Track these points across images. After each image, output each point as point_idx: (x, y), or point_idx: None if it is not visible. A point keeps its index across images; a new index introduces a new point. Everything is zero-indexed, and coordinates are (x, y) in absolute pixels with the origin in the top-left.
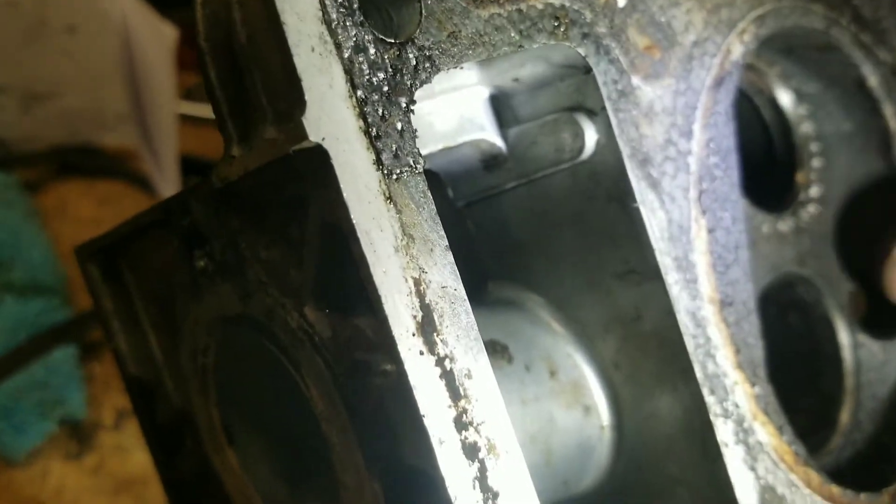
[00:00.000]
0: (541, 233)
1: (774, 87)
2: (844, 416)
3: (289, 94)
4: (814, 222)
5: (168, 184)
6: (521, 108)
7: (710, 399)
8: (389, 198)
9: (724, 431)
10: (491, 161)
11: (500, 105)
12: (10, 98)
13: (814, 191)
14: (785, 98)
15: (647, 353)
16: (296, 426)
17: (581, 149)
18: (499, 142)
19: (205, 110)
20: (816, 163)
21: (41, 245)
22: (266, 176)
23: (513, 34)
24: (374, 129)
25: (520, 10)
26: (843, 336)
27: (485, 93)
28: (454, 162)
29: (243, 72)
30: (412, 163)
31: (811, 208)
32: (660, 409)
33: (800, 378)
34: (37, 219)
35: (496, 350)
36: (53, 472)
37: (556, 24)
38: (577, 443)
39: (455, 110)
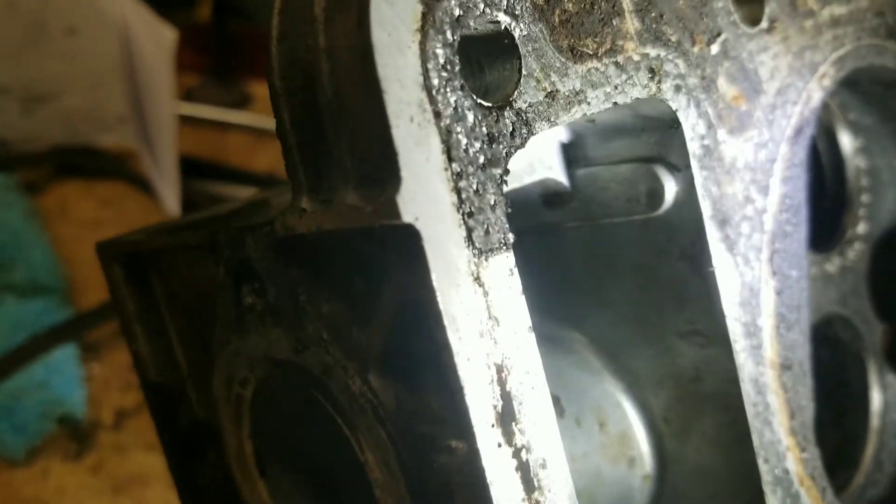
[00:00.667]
0: (599, 277)
1: (833, 118)
2: (868, 455)
3: (381, 166)
4: (858, 260)
5: (168, 184)
6: (593, 149)
7: (763, 467)
8: (477, 278)
9: (773, 499)
10: (553, 198)
11: (570, 144)
12: (11, 99)
13: (861, 228)
14: (842, 130)
15: (701, 414)
16: (338, 473)
17: (658, 204)
18: (565, 181)
19: (204, 111)
20: (865, 198)
21: (41, 245)
22: (343, 240)
23: (608, 89)
24: (468, 206)
25: (617, 63)
26: (873, 375)
27: (557, 132)
28: (512, 194)
29: (325, 125)
30: (502, 239)
31: (857, 246)
32: (707, 468)
33: (826, 412)
34: (37, 219)
35: None
36: (53, 472)
37: (650, 76)
38: (620, 493)
39: (525, 149)
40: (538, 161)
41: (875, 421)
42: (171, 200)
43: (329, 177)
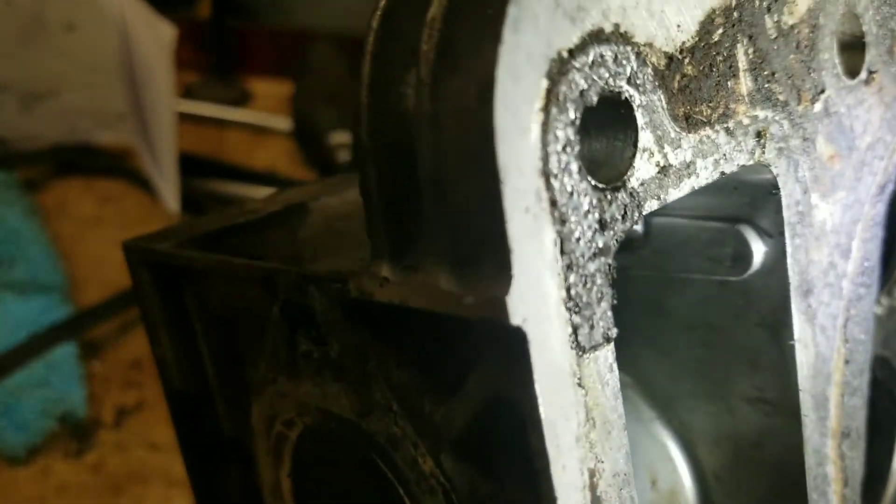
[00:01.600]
0: (663, 328)
1: None
2: (889, 494)
3: (488, 258)
4: None
5: (167, 182)
6: (675, 200)
7: None
8: (579, 379)
9: None
10: (623, 243)
11: None
12: (10, 97)
13: None
14: None
15: (757, 479)
16: None
17: (744, 269)
18: (639, 227)
19: (204, 109)
20: None
21: (41, 243)
22: (429, 322)
23: (717, 158)
24: (576, 302)
25: (727, 129)
26: None
27: None
28: None
29: (422, 196)
30: (606, 334)
31: None
32: None
33: None
34: (36, 217)
35: None
36: (54, 470)
37: (757, 140)
38: None
39: None
40: None
41: None
42: (170, 198)
43: (417, 248)
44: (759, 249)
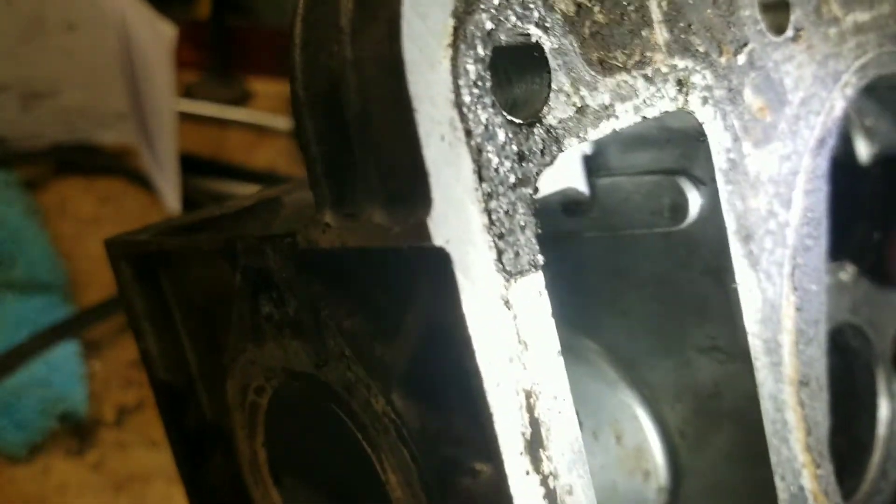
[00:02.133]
0: (617, 288)
1: (850, 125)
2: (874, 464)
3: (410, 186)
4: (871, 268)
5: (167, 181)
6: (616, 159)
7: (780, 484)
8: (507, 302)
9: None
10: (573, 206)
11: (592, 152)
12: (10, 96)
13: (875, 235)
14: (857, 136)
15: (718, 430)
16: (356, 489)
17: (682, 217)
18: (585, 189)
19: (204, 108)
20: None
21: (41, 243)
22: (368, 259)
23: (637, 103)
24: (499, 228)
25: (646, 76)
26: (882, 384)
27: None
28: None
29: (352, 140)
30: (532, 260)
31: (871, 254)
32: (722, 483)
33: (834, 420)
34: (37, 216)
35: None
36: (55, 469)
37: (678, 88)
38: None
39: None
40: (559, 170)
41: (882, 430)
42: (170, 197)
43: (354, 191)
44: (694, 198)
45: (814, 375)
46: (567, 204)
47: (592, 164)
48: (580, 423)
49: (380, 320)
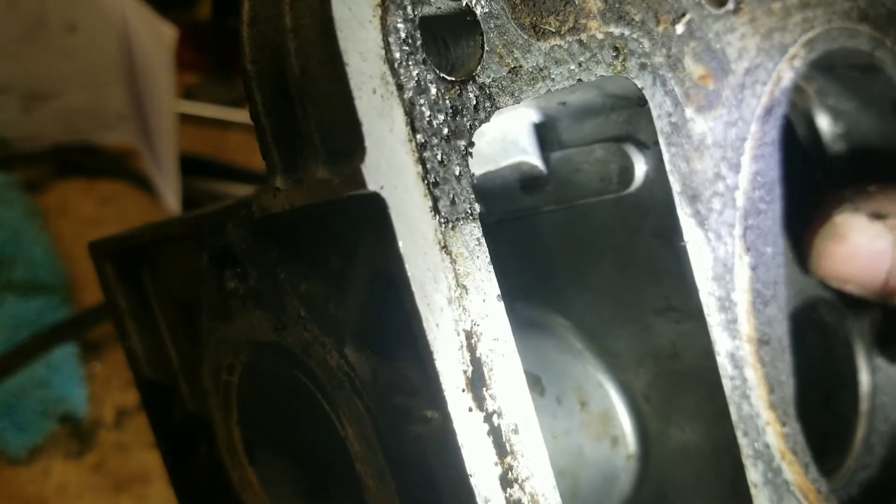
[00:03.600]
0: (577, 260)
1: (811, 104)
2: (857, 439)
3: (346, 137)
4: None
5: (168, 183)
6: (566, 132)
7: (742, 441)
8: (444, 247)
9: (754, 472)
10: (530, 183)
11: (544, 128)
12: (11, 97)
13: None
14: (821, 116)
15: (680, 391)
16: (323, 454)
17: (629, 181)
18: (540, 164)
19: (204, 109)
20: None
21: (42, 244)
22: (314, 215)
23: (572, 66)
24: (433, 176)
25: (580, 41)
26: (861, 359)
27: (530, 116)
28: (490, 179)
29: (295, 104)
30: (468, 209)
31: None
32: (689, 445)
33: (815, 397)
34: (37, 218)
35: (529, 382)
36: (55, 470)
37: (614, 55)
38: (604, 474)
39: (499, 132)
40: (512, 144)
41: (864, 404)
42: (171, 198)
43: (301, 155)
44: (639, 161)
45: (774, 335)
46: (525, 180)
47: (545, 140)
48: (543, 390)
49: (331, 278)
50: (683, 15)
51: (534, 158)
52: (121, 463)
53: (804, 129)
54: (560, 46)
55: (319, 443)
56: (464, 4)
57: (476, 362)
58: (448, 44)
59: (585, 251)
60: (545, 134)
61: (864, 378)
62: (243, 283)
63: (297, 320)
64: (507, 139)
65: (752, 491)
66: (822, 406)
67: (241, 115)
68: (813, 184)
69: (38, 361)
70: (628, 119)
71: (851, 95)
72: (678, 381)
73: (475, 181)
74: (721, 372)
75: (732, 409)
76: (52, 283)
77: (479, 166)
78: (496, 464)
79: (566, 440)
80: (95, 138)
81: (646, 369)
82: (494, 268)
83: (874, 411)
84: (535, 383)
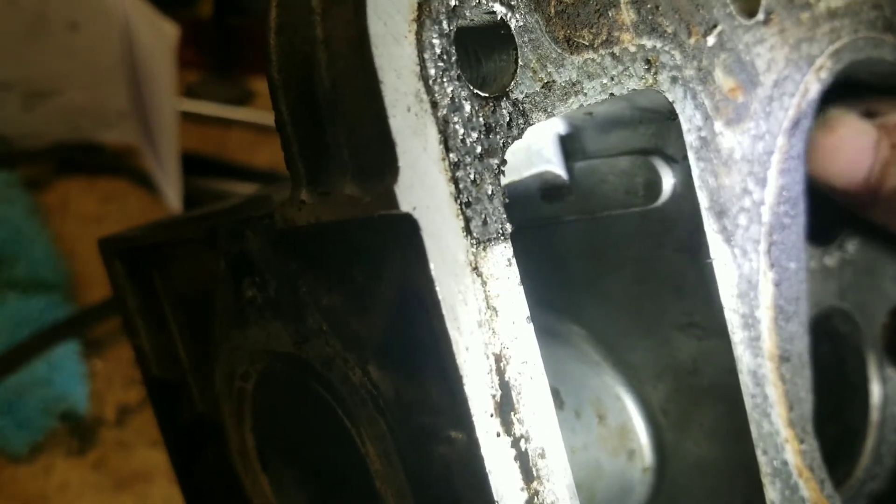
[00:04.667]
0: (597, 270)
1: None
2: (867, 450)
3: (378, 155)
4: (858, 254)
5: (169, 181)
6: (591, 142)
7: (762, 459)
8: (475, 268)
9: (772, 491)
10: (552, 192)
11: (569, 138)
12: (12, 95)
13: (859, 220)
14: None
15: (699, 407)
16: (339, 467)
17: (655, 195)
18: (563, 174)
19: (206, 108)
20: None
21: (43, 242)
22: (340, 231)
23: (605, 80)
24: (466, 196)
25: (613, 55)
26: (873, 369)
27: (555, 125)
28: (511, 188)
29: (323, 116)
30: (500, 229)
31: (856, 239)
32: (705, 460)
33: (825, 407)
34: (39, 216)
35: None
36: (56, 468)
37: (647, 67)
38: (620, 486)
39: (524, 142)
40: (537, 154)
41: (875, 415)
42: (172, 197)
43: (328, 169)
44: (667, 176)
45: (795, 352)
46: (546, 190)
47: (570, 149)
48: (562, 403)
49: (355, 294)
50: (715, 26)
51: (557, 168)
52: (122, 461)
53: None
54: (593, 60)
55: (336, 456)
56: (498, 18)
57: (505, 386)
58: (480, 57)
59: (606, 262)
60: (570, 144)
61: (876, 388)
62: (262, 292)
63: (319, 334)
64: (531, 149)
65: None
66: (832, 416)
67: (243, 114)
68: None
69: (40, 359)
70: (657, 132)
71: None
72: (697, 397)
73: (507, 200)
74: (743, 389)
75: (753, 427)
76: (54, 281)
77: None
78: (522, 489)
79: (584, 454)
80: (97, 136)
81: (664, 384)
82: None
83: (884, 422)
84: (555, 396)
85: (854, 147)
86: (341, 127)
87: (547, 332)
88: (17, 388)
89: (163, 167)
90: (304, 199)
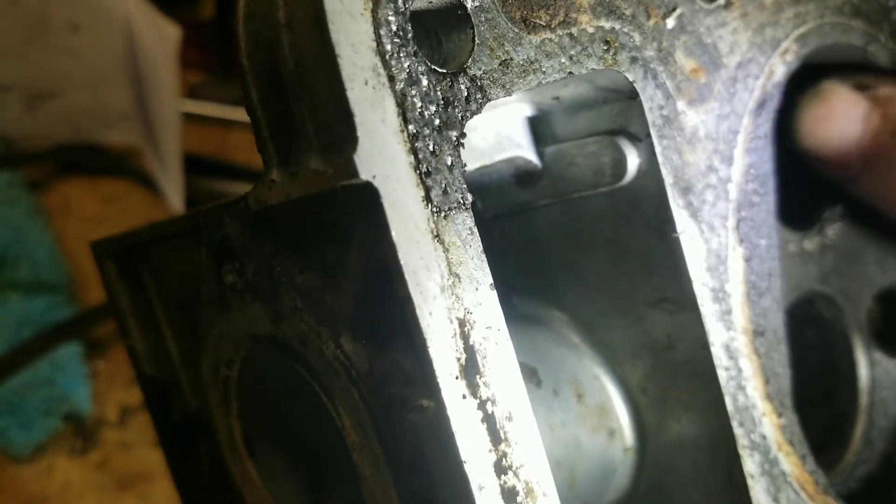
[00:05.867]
0: (572, 253)
1: None
2: (857, 434)
3: (339, 128)
4: (839, 239)
5: (171, 182)
6: (560, 126)
7: (738, 431)
8: (437, 236)
9: (750, 464)
10: (525, 177)
11: (538, 122)
12: (15, 96)
13: (840, 207)
14: None
15: (676, 382)
16: (322, 446)
17: (622, 174)
18: (534, 159)
19: (208, 109)
20: None
21: (46, 243)
22: (309, 206)
23: (563, 60)
24: (425, 166)
25: (571, 35)
26: (860, 353)
27: (524, 110)
28: (486, 175)
29: (289, 97)
30: (461, 199)
31: (837, 225)
32: (685, 436)
33: (814, 393)
34: (41, 217)
35: (526, 373)
36: (58, 469)
37: (605, 48)
38: (601, 467)
39: (493, 128)
40: (507, 139)
41: (864, 399)
42: (174, 198)
43: (297, 148)
44: (632, 154)
45: (770, 327)
46: (520, 176)
47: (540, 134)
48: (539, 381)
49: (326, 268)
50: (674, 9)
51: (528, 153)
52: (124, 461)
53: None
54: (551, 40)
55: (318, 436)
56: None
57: (469, 350)
58: (441, 38)
59: (580, 245)
60: (539, 129)
61: (864, 372)
62: (241, 276)
63: (294, 311)
64: (501, 134)
65: (749, 482)
66: (822, 402)
67: (245, 115)
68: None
69: (42, 360)
70: (620, 112)
71: None
72: (674, 373)
73: (466, 170)
74: (716, 362)
75: (728, 400)
76: (56, 282)
77: (473, 161)
78: (490, 451)
79: (563, 432)
80: (99, 137)
81: (642, 361)
82: (492, 263)
83: (874, 406)
84: (532, 375)
85: (846, 116)
86: (305, 104)
87: (527, 318)
88: (20, 389)
89: (165, 168)
90: (274, 179)
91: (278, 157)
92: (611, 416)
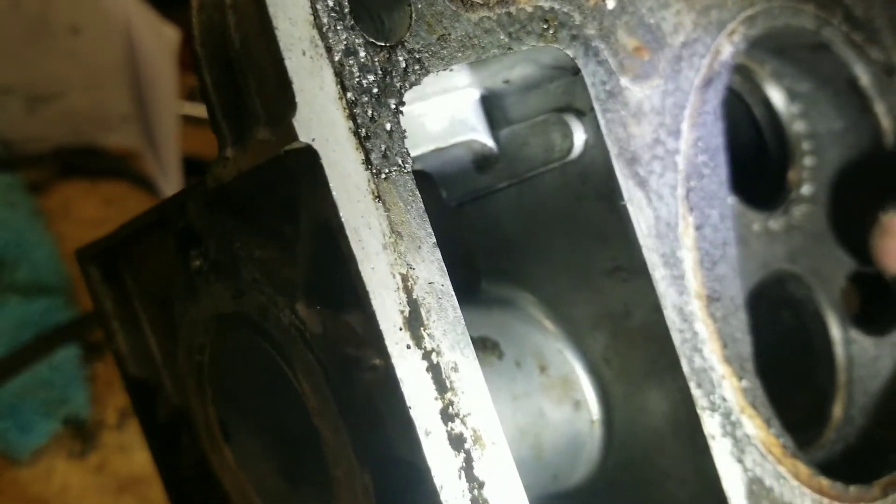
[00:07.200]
0: (531, 232)
1: (766, 86)
2: (837, 411)
3: (280, 97)
4: (805, 220)
5: (171, 184)
6: (512, 109)
7: (696, 392)
8: (378, 196)
9: (711, 424)
10: (483, 162)
11: (491, 106)
12: (14, 99)
13: (805, 189)
14: (777, 97)
15: (635, 349)
16: (290, 422)
17: (570, 149)
18: (490, 143)
19: (206, 111)
20: (808, 161)
21: (45, 245)
22: (258, 176)
23: (502, 36)
24: (364, 130)
25: (509, 14)
26: (835, 332)
27: (476, 94)
28: (447, 163)
29: (237, 76)
30: (401, 162)
31: (803, 206)
32: (649, 403)
33: (793, 374)
34: (41, 219)
35: (487, 346)
36: (57, 471)
37: (545, 26)
38: (568, 437)
39: (446, 112)
40: (460, 123)
41: (842, 376)
42: None
43: (247, 124)
44: (578, 129)
45: (726, 294)
46: (478, 161)
47: (494, 119)
48: (501, 353)
49: (280, 239)
50: None
51: (483, 137)
52: (123, 464)
53: (762, 111)
54: (489, 18)
55: (289, 415)
56: None
57: (413, 303)
58: (382, 18)
59: (538, 222)
60: (493, 113)
61: (840, 351)
62: (206, 259)
63: (253, 285)
64: (455, 118)
65: (710, 443)
66: (800, 382)
67: None
68: (775, 163)
69: (41, 362)
70: (566, 89)
71: (806, 76)
72: (633, 340)
73: (407, 135)
74: (669, 325)
75: (684, 362)
76: (56, 285)
77: (427, 143)
78: (436, 398)
79: (527, 401)
80: (98, 140)
81: (602, 332)
82: (460, 249)
83: (852, 383)
84: (493, 347)
85: None
86: (251, 79)
87: (494, 301)
88: (19, 392)
89: (164, 170)
90: (227, 157)
91: (232, 137)
92: (575, 387)
